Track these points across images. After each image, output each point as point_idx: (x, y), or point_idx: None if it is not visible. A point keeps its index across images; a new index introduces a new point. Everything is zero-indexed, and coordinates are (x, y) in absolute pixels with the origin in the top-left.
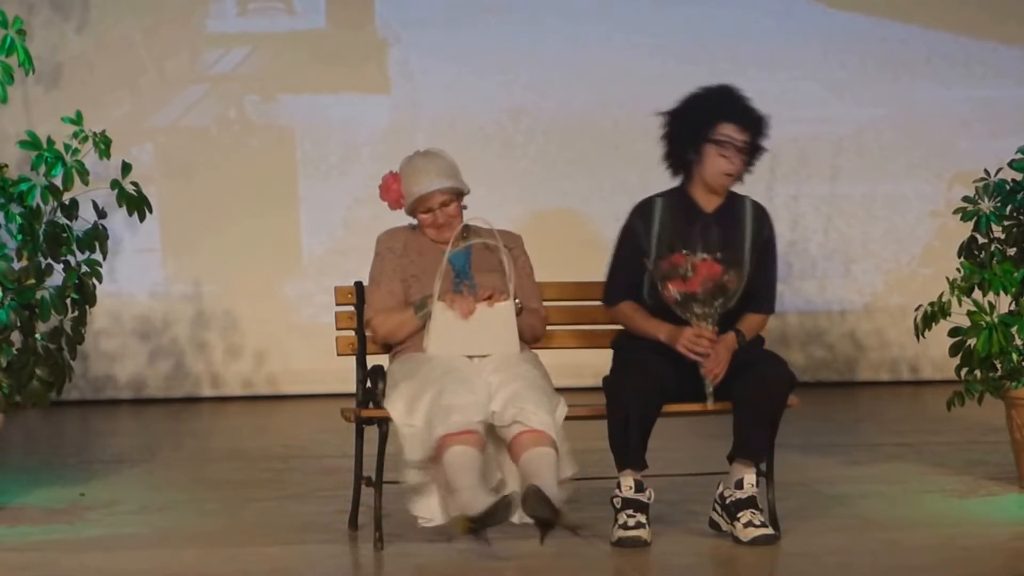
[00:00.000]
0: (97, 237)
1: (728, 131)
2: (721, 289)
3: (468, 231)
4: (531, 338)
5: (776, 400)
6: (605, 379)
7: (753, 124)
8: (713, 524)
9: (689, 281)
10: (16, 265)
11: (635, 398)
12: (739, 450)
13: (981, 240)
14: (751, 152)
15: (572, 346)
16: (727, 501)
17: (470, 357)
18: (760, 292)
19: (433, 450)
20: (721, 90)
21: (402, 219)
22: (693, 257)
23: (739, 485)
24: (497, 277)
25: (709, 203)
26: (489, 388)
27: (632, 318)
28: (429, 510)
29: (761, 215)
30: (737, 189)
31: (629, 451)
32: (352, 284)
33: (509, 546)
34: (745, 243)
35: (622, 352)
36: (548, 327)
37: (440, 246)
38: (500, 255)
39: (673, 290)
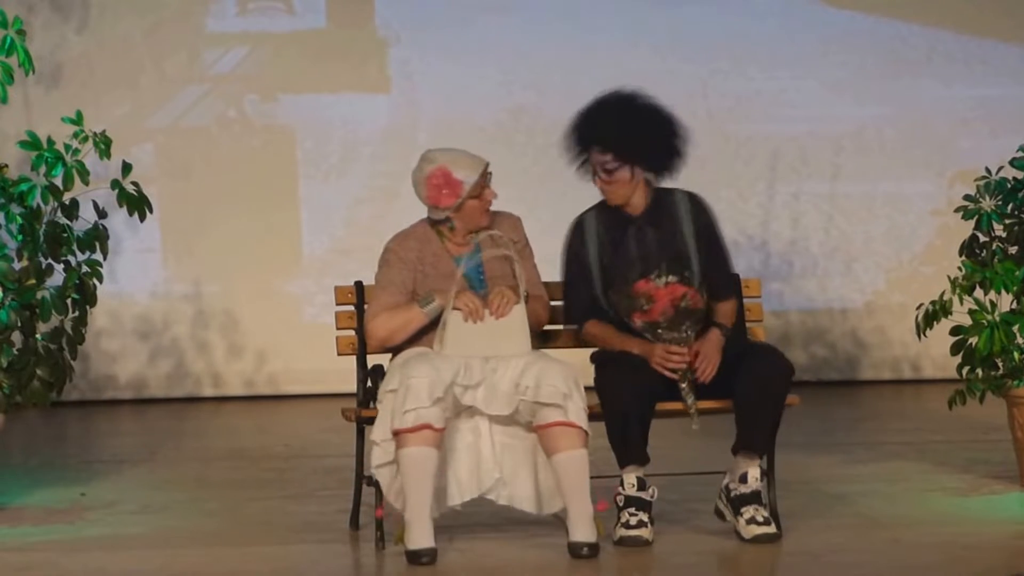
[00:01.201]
0: (97, 237)
1: (594, 159)
2: (686, 313)
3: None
4: (536, 323)
5: (776, 391)
6: (596, 382)
7: (614, 136)
8: (718, 513)
9: (650, 311)
10: (16, 265)
11: (630, 394)
12: (742, 443)
13: (982, 238)
14: (632, 158)
15: (572, 346)
16: (732, 494)
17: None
18: (718, 279)
19: (393, 439)
20: (586, 114)
21: (401, 222)
22: (653, 283)
23: (743, 479)
24: (510, 282)
25: (635, 207)
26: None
27: (602, 337)
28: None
29: (695, 204)
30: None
31: (630, 447)
32: (352, 284)
33: (509, 545)
34: (686, 237)
35: (604, 358)
36: (548, 327)
37: (453, 254)
38: (510, 262)
39: (638, 322)
